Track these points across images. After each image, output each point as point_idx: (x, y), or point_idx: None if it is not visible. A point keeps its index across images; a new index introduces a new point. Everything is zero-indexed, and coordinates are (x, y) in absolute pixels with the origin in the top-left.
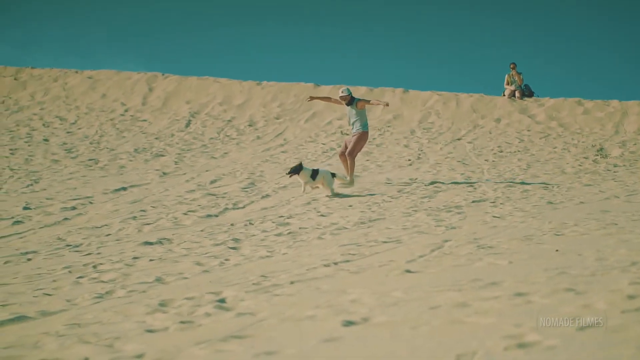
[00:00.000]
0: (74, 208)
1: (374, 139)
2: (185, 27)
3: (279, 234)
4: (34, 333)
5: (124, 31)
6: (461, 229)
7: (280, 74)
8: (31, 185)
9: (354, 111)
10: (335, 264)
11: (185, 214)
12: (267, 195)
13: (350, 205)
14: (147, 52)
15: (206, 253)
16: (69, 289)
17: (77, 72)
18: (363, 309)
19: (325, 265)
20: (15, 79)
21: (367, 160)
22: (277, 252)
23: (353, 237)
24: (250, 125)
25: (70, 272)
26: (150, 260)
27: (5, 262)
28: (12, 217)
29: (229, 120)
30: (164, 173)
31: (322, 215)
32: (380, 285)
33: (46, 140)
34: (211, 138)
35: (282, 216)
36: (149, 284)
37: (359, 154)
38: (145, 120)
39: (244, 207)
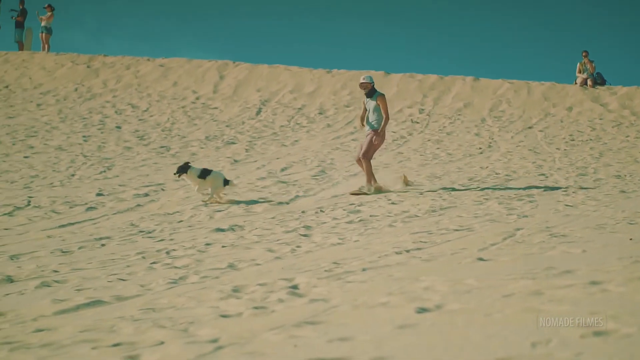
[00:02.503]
0: (146, 195)
1: (444, 127)
2: (256, 15)
3: (350, 222)
4: (110, 317)
5: (195, 19)
6: (533, 218)
7: (350, 62)
8: (104, 172)
9: (372, 104)
10: (407, 251)
11: (256, 201)
12: (338, 183)
13: (421, 194)
14: (218, 40)
15: (278, 240)
16: (143, 275)
17: (149, 59)
18: (436, 296)
19: (397, 253)
20: (88, 67)
21: (438, 148)
22: (348, 240)
23: (424, 224)
24: (320, 113)
25: (143, 257)
26: (223, 246)
27: (80, 248)
28: (86, 204)
29: (300, 108)
30: (235, 160)
31: (392, 203)
32: (453, 272)
33: (119, 127)
34: (282, 126)
35: (352, 204)
36: (222, 270)
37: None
38: (216, 108)
39: (314, 195)
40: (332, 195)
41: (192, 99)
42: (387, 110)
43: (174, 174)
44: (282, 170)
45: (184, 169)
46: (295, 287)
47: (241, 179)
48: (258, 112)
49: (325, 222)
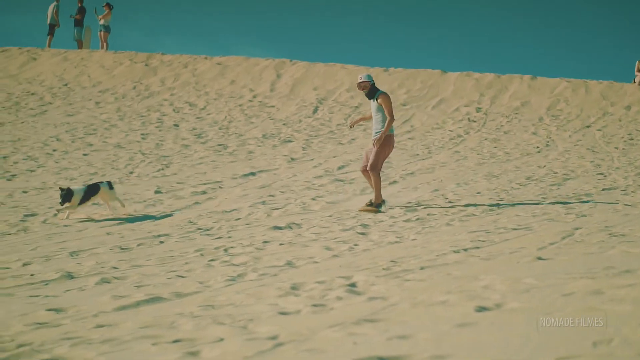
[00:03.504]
0: (204, 192)
1: (501, 125)
2: (314, 13)
3: (407, 220)
4: (169, 314)
5: (253, 18)
6: (592, 217)
7: (408, 61)
8: (162, 169)
9: (374, 106)
10: (465, 250)
11: (313, 199)
12: (395, 182)
13: (479, 192)
14: (275, 38)
15: (335, 238)
16: (201, 272)
17: (206, 58)
18: (495, 295)
19: (455, 252)
20: (146, 65)
21: (495, 147)
22: (406, 238)
23: (482, 223)
24: None
25: (202, 255)
26: (280, 244)
27: (139, 245)
28: (145, 201)
29: (356, 107)
30: (292, 159)
31: (450, 202)
32: (512, 271)
33: (176, 125)
34: (338, 124)
35: (410, 202)
36: (280, 268)
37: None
38: (273, 107)
39: (371, 194)
40: (389, 194)
41: (249, 97)
42: (392, 110)
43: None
44: (339, 168)
45: (67, 196)
46: (353, 285)
47: (298, 177)
48: (315, 111)
49: (382, 221)
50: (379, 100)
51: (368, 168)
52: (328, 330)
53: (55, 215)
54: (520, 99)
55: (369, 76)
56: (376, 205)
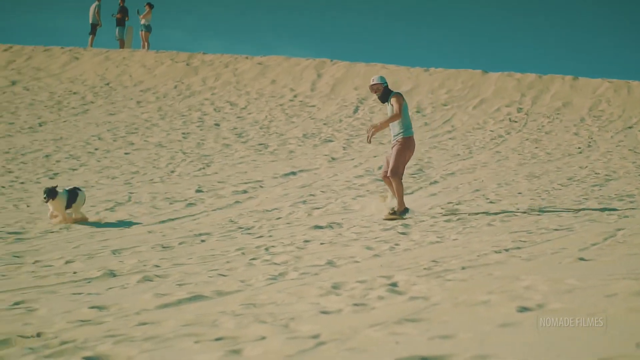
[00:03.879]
0: (245, 192)
1: (542, 126)
2: (354, 13)
3: (448, 220)
4: (211, 312)
5: (293, 18)
6: (634, 218)
7: (448, 61)
8: (203, 168)
9: (389, 109)
10: (507, 250)
11: (354, 198)
12: (435, 182)
13: (520, 193)
14: (316, 38)
15: (376, 237)
16: (242, 270)
17: (247, 57)
18: (537, 296)
19: (496, 252)
20: (187, 65)
21: (536, 147)
22: (446, 238)
23: (523, 224)
24: (417, 112)
25: (243, 254)
26: (321, 243)
27: (180, 243)
28: (186, 200)
29: None
30: (333, 158)
31: (491, 202)
32: (554, 272)
33: (217, 124)
34: None
35: (450, 202)
36: (321, 267)
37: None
38: (313, 106)
39: (412, 193)
40: (430, 193)
41: (289, 97)
42: (400, 108)
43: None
44: (380, 168)
45: (52, 194)
46: (394, 284)
47: (338, 176)
48: (355, 110)
49: (423, 221)
50: (392, 101)
51: (389, 174)
52: (369, 329)
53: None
54: (562, 99)
55: (382, 78)
56: (400, 213)
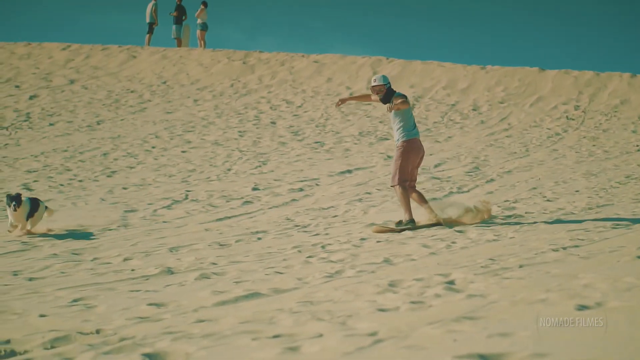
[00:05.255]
0: (301, 190)
1: (600, 124)
2: (410, 11)
3: (505, 218)
4: (269, 309)
5: (349, 16)
6: None
7: (505, 58)
8: (259, 166)
9: (392, 112)
10: (564, 248)
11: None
12: (492, 180)
13: (577, 191)
14: (372, 36)
15: (433, 235)
16: (299, 268)
17: (303, 56)
18: (596, 294)
19: (554, 250)
20: (243, 63)
21: (594, 145)
22: (503, 236)
23: (581, 222)
24: (474, 110)
25: (299, 251)
26: (378, 241)
27: (237, 241)
28: (242, 198)
29: (453, 105)
30: (389, 156)
31: (548, 200)
32: (612, 270)
33: (273, 122)
34: (435, 122)
35: (507, 200)
36: (378, 265)
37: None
38: (369, 104)
39: (468, 191)
40: (486, 191)
41: (345, 95)
42: (407, 105)
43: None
44: (436, 166)
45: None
46: (451, 282)
47: None
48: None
49: None
50: (394, 101)
51: (390, 182)
52: (427, 327)
53: (10, 232)
54: (620, 97)
55: (384, 78)
56: (407, 223)
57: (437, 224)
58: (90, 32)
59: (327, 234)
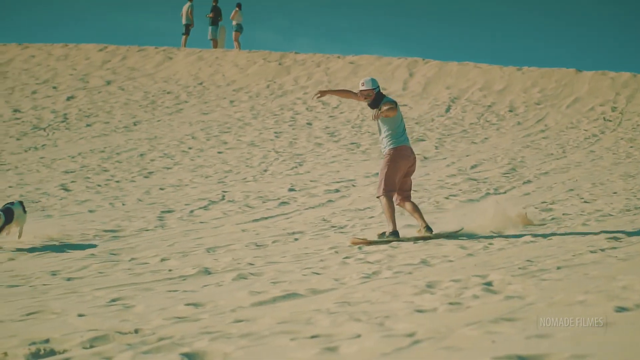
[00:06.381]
0: (337, 191)
1: (637, 125)
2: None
3: (543, 220)
4: (306, 310)
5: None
6: None
7: (542, 59)
8: (295, 167)
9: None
10: (602, 250)
11: (446, 198)
12: (529, 181)
13: (615, 192)
14: (408, 37)
15: (469, 237)
16: (336, 269)
17: (339, 57)
18: (635, 296)
19: (591, 252)
20: (279, 64)
21: (631, 147)
22: (541, 238)
23: (619, 224)
24: (510, 111)
25: (336, 252)
26: (415, 242)
27: (274, 242)
28: (278, 198)
29: (489, 106)
30: (425, 157)
31: (585, 202)
32: None
33: (309, 123)
34: (471, 123)
35: (544, 202)
36: (415, 266)
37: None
38: (405, 105)
39: (505, 193)
40: (523, 193)
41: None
42: (394, 112)
43: None
44: (472, 167)
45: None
46: (489, 283)
47: (431, 175)
48: (447, 110)
49: None
50: (383, 107)
51: (377, 193)
52: (465, 328)
53: None
54: None
55: (373, 81)
56: (389, 235)
57: (426, 237)
58: (127, 33)
59: (363, 235)
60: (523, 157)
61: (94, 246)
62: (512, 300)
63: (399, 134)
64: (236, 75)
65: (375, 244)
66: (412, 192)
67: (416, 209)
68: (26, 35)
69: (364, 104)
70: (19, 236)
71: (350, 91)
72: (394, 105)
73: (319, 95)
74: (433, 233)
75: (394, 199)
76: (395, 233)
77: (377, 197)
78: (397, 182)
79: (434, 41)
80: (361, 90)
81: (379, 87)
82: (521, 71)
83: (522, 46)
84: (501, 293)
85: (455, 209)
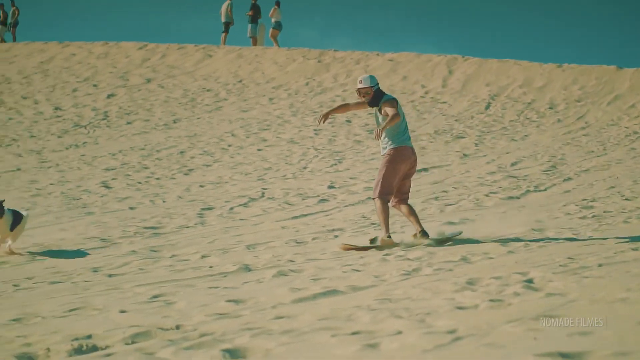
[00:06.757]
0: None
1: None
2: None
3: (583, 217)
4: (346, 307)
5: (424, 14)
6: None
7: (582, 56)
8: (335, 164)
9: (380, 117)
10: None
11: (486, 195)
12: (569, 179)
13: None
14: (448, 34)
15: (510, 234)
16: (376, 266)
17: (378, 54)
18: None
19: (633, 249)
20: (318, 62)
21: None
22: (582, 235)
23: None
24: (550, 108)
25: (376, 249)
26: (455, 239)
27: (313, 239)
28: (318, 196)
29: (529, 103)
30: (465, 155)
31: (626, 199)
32: None
33: (348, 121)
34: (511, 120)
35: (585, 199)
36: (455, 263)
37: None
38: (445, 102)
39: (545, 190)
40: (564, 190)
41: (421, 94)
42: (395, 112)
43: None
44: (512, 164)
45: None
46: (530, 280)
47: (471, 173)
48: (487, 107)
49: (557, 217)
50: (384, 107)
51: (372, 195)
52: (506, 325)
53: None
54: None
55: (372, 79)
56: (383, 239)
57: (419, 243)
58: (167, 31)
59: (403, 232)
60: (563, 155)
61: (135, 243)
62: (554, 297)
63: (400, 133)
64: (275, 73)
65: (365, 250)
66: (452, 188)
67: (412, 212)
68: (67, 34)
69: (371, 109)
70: (10, 246)
71: (347, 104)
72: (394, 103)
73: (322, 120)
74: (429, 238)
75: (390, 201)
76: (388, 237)
77: (372, 199)
78: (394, 185)
79: (473, 38)
80: (359, 88)
81: (377, 84)
82: (561, 68)
83: (562, 43)
84: (542, 290)
85: (495, 207)
